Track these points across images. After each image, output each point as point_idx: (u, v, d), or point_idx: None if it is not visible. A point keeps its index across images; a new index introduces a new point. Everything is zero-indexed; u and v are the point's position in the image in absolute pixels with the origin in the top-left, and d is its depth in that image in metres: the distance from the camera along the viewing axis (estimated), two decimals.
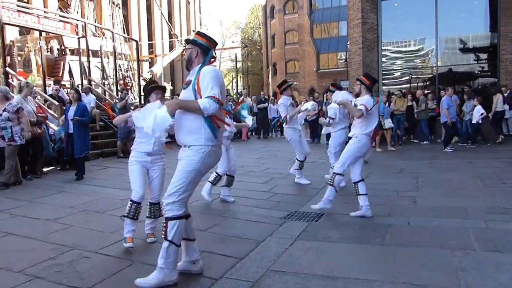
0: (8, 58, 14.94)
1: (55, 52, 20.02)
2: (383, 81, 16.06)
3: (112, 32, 18.84)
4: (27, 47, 18.34)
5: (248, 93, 25.49)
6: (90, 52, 16.12)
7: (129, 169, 4.37)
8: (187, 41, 3.54)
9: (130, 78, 20.34)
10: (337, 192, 5.49)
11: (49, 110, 10.74)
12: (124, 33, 23.24)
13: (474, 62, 15.57)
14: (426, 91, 14.68)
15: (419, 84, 16.38)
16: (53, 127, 10.02)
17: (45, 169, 8.86)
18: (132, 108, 11.43)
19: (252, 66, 60.28)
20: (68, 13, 18.69)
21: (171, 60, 32.16)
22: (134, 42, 21.03)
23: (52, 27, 14.85)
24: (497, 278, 3.27)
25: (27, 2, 20.14)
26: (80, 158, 8.08)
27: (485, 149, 11.17)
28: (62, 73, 18.27)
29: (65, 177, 8.21)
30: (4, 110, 7.24)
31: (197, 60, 3.38)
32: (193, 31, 39.43)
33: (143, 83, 17.62)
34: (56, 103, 10.93)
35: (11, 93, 8.13)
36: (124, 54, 21.35)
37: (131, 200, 4.30)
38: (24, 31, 18.17)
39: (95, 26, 20.23)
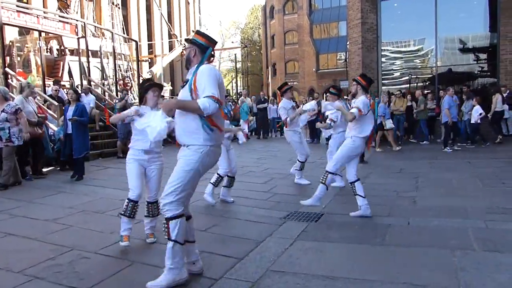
0: (7, 59, 14.93)
1: (55, 52, 20.01)
2: (382, 81, 16.07)
3: (112, 33, 18.84)
4: (27, 47, 18.34)
5: (248, 93, 25.50)
6: (89, 52, 16.11)
7: (127, 167, 4.37)
8: (187, 41, 3.53)
9: (129, 78, 20.33)
10: (327, 190, 5.55)
11: (49, 111, 10.73)
12: (124, 34, 23.23)
13: (474, 62, 15.58)
14: (425, 91, 14.69)
15: (418, 84, 16.39)
16: (53, 127, 10.01)
17: (44, 170, 8.84)
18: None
19: (252, 67, 60.29)
20: (67, 14, 18.68)
21: (171, 61, 32.20)
22: (133, 43, 21.03)
23: (51, 28, 14.85)
24: (497, 278, 3.27)
25: (27, 3, 20.14)
26: (79, 158, 8.07)
27: (484, 149, 11.18)
28: (62, 73, 18.26)
29: (64, 178, 8.20)
30: (2, 111, 7.23)
31: (196, 59, 3.37)
32: (193, 31, 39.40)
33: None
34: (56, 103, 10.92)
35: (10, 93, 8.13)
36: (123, 55, 21.34)
37: (128, 199, 4.31)
38: (24, 31, 18.16)
39: (95, 26, 20.21)
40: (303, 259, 3.87)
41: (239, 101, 17.33)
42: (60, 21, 15.51)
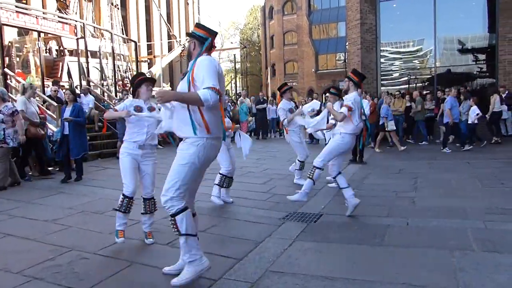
0: (6, 59, 14.94)
1: (54, 53, 20.04)
2: (381, 82, 16.09)
3: (111, 33, 18.85)
4: (26, 48, 18.36)
5: (247, 93, 25.53)
6: (88, 53, 16.11)
7: (120, 161, 4.36)
8: (187, 34, 3.50)
9: (129, 79, 20.35)
10: (314, 185, 5.58)
11: (48, 111, 10.72)
12: (123, 34, 23.25)
13: (473, 63, 15.62)
14: (424, 92, 14.71)
15: (417, 84, 16.42)
16: (52, 128, 10.01)
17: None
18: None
19: (251, 67, 60.32)
20: (66, 14, 18.71)
21: (170, 61, 32.17)
22: (132, 43, 21.05)
23: (50, 28, 14.85)
24: (496, 279, 3.28)
25: (26, 3, 20.17)
26: (77, 159, 8.05)
27: (483, 149, 11.18)
28: (61, 74, 18.29)
29: (63, 179, 8.18)
30: None
31: (195, 52, 3.33)
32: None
33: None
34: (55, 104, 10.92)
35: (9, 94, 8.12)
36: (122, 55, 21.36)
37: (123, 194, 4.32)
38: (23, 32, 18.19)
39: (94, 27, 20.23)
40: (302, 259, 3.87)
41: (238, 102, 17.34)
42: (59, 21, 15.51)
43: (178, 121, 3.30)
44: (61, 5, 20.16)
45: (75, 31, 15.95)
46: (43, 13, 16.70)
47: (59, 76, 17.97)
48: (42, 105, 11.14)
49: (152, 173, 4.46)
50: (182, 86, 3.27)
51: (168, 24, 34.05)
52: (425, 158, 10.31)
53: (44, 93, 12.82)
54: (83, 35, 16.00)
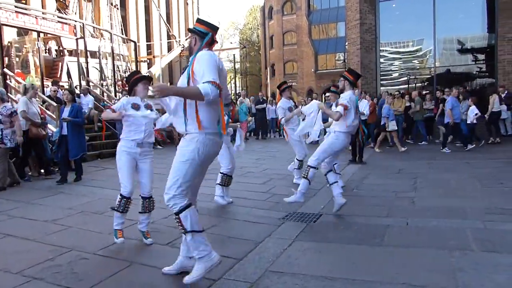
0: (6, 59, 14.94)
1: (53, 53, 20.04)
2: (381, 82, 16.10)
3: (110, 33, 18.84)
4: (25, 48, 18.36)
5: (247, 93, 25.53)
6: (88, 53, 16.10)
7: (118, 160, 4.34)
8: (189, 30, 3.47)
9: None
10: (309, 185, 5.51)
11: (47, 111, 10.72)
12: (122, 34, 23.26)
13: (472, 63, 15.63)
14: (424, 92, 14.72)
15: (417, 84, 16.43)
16: (52, 128, 10.01)
17: (43, 170, 8.84)
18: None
19: (251, 67, 60.33)
20: (66, 14, 18.71)
21: (170, 61, 32.16)
22: (132, 43, 21.04)
23: (50, 28, 14.87)
24: (495, 279, 3.28)
25: (25, 3, 20.17)
26: (76, 159, 8.04)
27: (483, 149, 11.19)
28: (60, 74, 18.30)
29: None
30: None
31: (196, 48, 3.31)
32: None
33: None
34: (54, 104, 10.92)
35: (9, 95, 8.12)
36: (122, 55, 21.37)
37: (120, 195, 4.32)
38: (22, 32, 18.19)
39: (93, 27, 20.24)
40: (301, 259, 3.88)
41: (238, 102, 17.35)
42: (58, 21, 15.53)
43: (178, 117, 3.28)
44: (61, 5, 20.17)
45: (75, 31, 15.96)
46: (43, 13, 16.71)
47: (58, 76, 17.99)
48: (41, 105, 11.14)
49: (150, 171, 4.45)
50: (182, 81, 3.26)
51: (168, 24, 34.04)
52: (424, 158, 10.32)
53: (43, 93, 12.81)
54: (82, 35, 15.99)
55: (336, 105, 5.69)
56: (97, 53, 18.32)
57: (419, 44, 16.45)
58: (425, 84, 16.37)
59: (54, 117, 10.47)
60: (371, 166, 9.47)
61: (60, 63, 18.75)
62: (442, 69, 15.86)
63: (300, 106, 8.47)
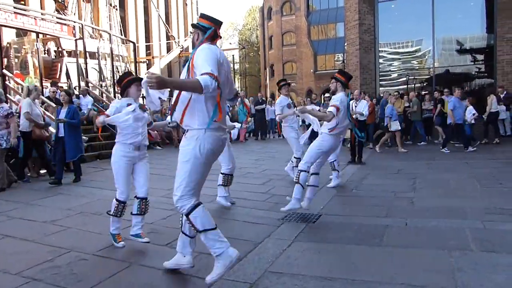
0: (5, 60, 14.93)
1: (52, 54, 20.04)
2: (380, 82, 16.12)
3: (109, 34, 18.85)
4: (24, 49, 18.36)
5: (246, 94, 25.55)
6: (87, 53, 16.10)
7: (115, 164, 4.30)
8: (192, 26, 3.44)
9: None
10: (303, 190, 5.40)
11: (47, 112, 10.72)
12: (121, 35, 23.27)
13: (471, 63, 15.65)
14: (423, 92, 14.74)
15: (416, 85, 16.44)
16: (52, 129, 10.01)
17: (42, 171, 8.84)
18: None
19: (250, 68, 60.37)
20: (65, 15, 18.71)
21: (169, 62, 32.18)
22: (131, 44, 21.05)
23: (49, 29, 14.87)
24: (494, 279, 3.28)
25: (24, 4, 20.16)
26: (75, 161, 8.01)
27: (482, 149, 11.19)
28: (59, 75, 18.30)
29: (62, 179, 8.17)
30: None
31: (198, 42, 3.28)
32: (191, 32, 39.43)
33: None
34: (53, 105, 10.91)
35: (8, 95, 8.11)
36: (121, 56, 21.38)
37: (118, 200, 4.30)
38: (21, 33, 18.18)
39: (92, 28, 20.25)
40: (301, 260, 3.88)
41: (237, 102, 17.35)
42: (57, 22, 15.53)
43: (179, 110, 3.24)
44: (60, 6, 20.18)
45: (74, 32, 15.96)
46: (42, 14, 16.72)
47: (57, 77, 17.98)
48: (40, 106, 11.14)
49: (147, 172, 4.43)
50: (183, 76, 3.24)
51: (167, 25, 34.08)
52: (423, 158, 10.33)
53: (42, 94, 12.80)
54: (81, 36, 15.99)
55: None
56: (96, 54, 18.34)
57: (418, 45, 16.47)
58: (424, 84, 16.39)
59: (53, 118, 10.48)
60: (370, 166, 9.47)
61: (59, 64, 18.76)
62: (441, 70, 15.88)
63: (299, 107, 8.47)
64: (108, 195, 6.66)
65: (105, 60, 19.30)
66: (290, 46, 47.23)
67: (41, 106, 10.93)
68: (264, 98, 19.85)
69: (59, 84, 15.57)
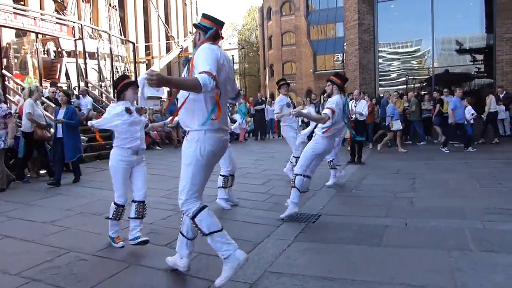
0: (4, 61, 14.94)
1: (52, 54, 20.06)
2: (379, 82, 16.12)
3: (109, 34, 18.86)
4: (24, 49, 18.37)
5: (245, 94, 25.55)
6: (86, 54, 16.11)
7: (114, 169, 4.29)
8: (194, 26, 3.41)
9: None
10: (301, 193, 5.36)
11: (46, 113, 10.71)
12: (121, 35, 23.27)
13: (470, 63, 15.66)
14: (422, 92, 14.74)
15: (415, 85, 16.45)
16: (52, 130, 10.01)
17: (42, 172, 8.84)
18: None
19: (249, 68, 60.36)
20: (64, 15, 18.71)
21: (168, 62, 32.17)
22: (130, 44, 21.08)
23: (48, 29, 14.87)
24: (493, 279, 3.29)
25: (24, 5, 20.14)
26: (73, 161, 7.98)
27: (481, 149, 11.20)
28: (59, 75, 18.31)
29: (62, 180, 8.17)
30: None
31: (199, 42, 3.26)
32: (190, 32, 39.54)
33: None
34: (53, 105, 10.90)
35: (7, 96, 8.09)
36: (120, 56, 21.38)
37: (116, 204, 4.29)
38: (21, 33, 18.20)
39: (92, 28, 20.25)
40: (300, 260, 3.88)
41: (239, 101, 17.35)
42: (57, 23, 15.53)
43: (181, 110, 3.23)
44: (59, 6, 20.17)
45: (73, 32, 15.97)
46: (41, 14, 16.72)
47: (57, 77, 18.00)
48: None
49: (145, 175, 4.41)
50: (183, 76, 3.23)
51: (166, 25, 34.07)
52: (423, 158, 10.33)
53: (42, 94, 12.81)
54: (81, 36, 16.00)
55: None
56: (96, 54, 18.34)
57: (417, 45, 16.48)
58: (424, 84, 16.39)
59: (53, 118, 10.47)
60: (370, 166, 9.48)
61: (58, 64, 18.77)
62: (440, 70, 15.88)
63: (299, 107, 8.52)
64: (108, 195, 6.66)
65: (105, 60, 19.31)
66: (289, 46, 47.27)
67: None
68: (263, 98, 19.85)
69: (59, 85, 15.57)
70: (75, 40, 16.00)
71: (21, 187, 7.64)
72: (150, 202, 5.92)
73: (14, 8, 13.85)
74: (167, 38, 34.85)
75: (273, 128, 17.72)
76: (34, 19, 14.17)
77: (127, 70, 21.56)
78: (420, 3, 15.45)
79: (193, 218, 3.14)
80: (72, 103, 8.99)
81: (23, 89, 11.16)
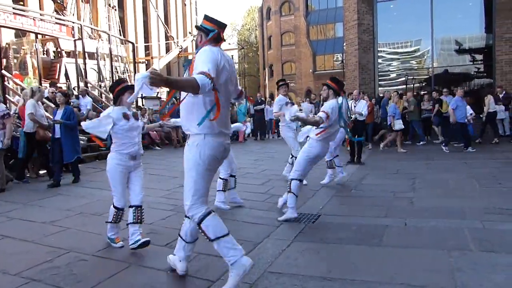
0: (4, 61, 14.93)
1: (51, 54, 20.04)
2: (379, 82, 16.12)
3: (108, 34, 18.86)
4: (23, 49, 18.36)
5: (245, 94, 25.47)
6: (86, 54, 16.11)
7: (111, 173, 4.27)
8: (196, 27, 3.39)
9: (126, 80, 20.33)
10: (297, 198, 5.31)
11: (46, 113, 10.71)
12: (120, 35, 23.25)
13: (470, 63, 15.67)
14: (422, 92, 14.73)
15: (415, 85, 16.45)
16: None
17: (41, 172, 8.83)
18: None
19: (249, 68, 60.35)
20: (64, 16, 18.69)
21: (168, 62, 32.16)
22: (130, 44, 21.07)
23: (48, 30, 14.87)
24: (493, 279, 3.29)
25: (23, 5, 20.14)
26: (72, 162, 7.95)
27: (481, 149, 11.19)
28: (58, 75, 18.30)
29: (62, 180, 8.16)
30: None
31: (201, 45, 3.24)
32: (189, 33, 39.54)
33: None
34: (53, 105, 10.89)
35: (7, 96, 8.08)
36: (120, 56, 21.37)
37: (116, 208, 4.28)
38: (20, 33, 18.19)
39: (91, 28, 20.24)
40: (300, 260, 3.88)
41: (236, 103, 17.35)
42: (56, 23, 15.53)
43: (182, 113, 3.24)
44: (58, 6, 20.16)
45: (73, 33, 15.96)
46: (41, 14, 16.72)
47: (56, 77, 17.99)
48: None
49: (142, 179, 4.41)
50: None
51: (166, 25, 34.06)
52: (422, 158, 10.33)
53: None
54: (80, 37, 15.99)
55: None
56: (95, 54, 18.33)
57: (417, 45, 16.48)
58: (423, 84, 16.39)
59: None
60: (370, 166, 9.48)
61: (58, 65, 18.75)
62: (440, 70, 15.89)
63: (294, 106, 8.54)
64: (108, 196, 6.64)
65: (104, 60, 19.29)
66: (289, 46, 47.29)
67: None
68: (263, 98, 19.84)
69: (58, 85, 15.56)
70: (74, 41, 15.99)
71: (21, 188, 7.63)
72: (150, 202, 5.95)
73: (13, 8, 13.85)
74: (167, 38, 34.84)
75: (272, 128, 17.71)
76: (33, 19, 14.16)
77: (127, 70, 21.54)
78: (419, 3, 15.45)
79: (199, 223, 3.13)
80: (72, 103, 8.97)
81: (22, 89, 11.17)
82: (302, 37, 45.41)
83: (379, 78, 16.17)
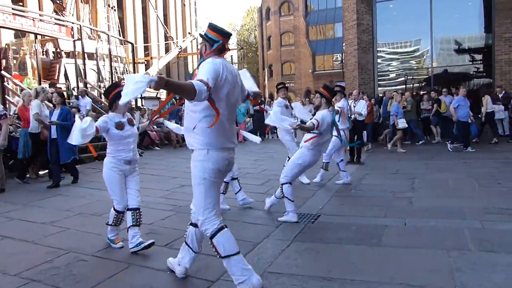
0: (3, 61, 14.93)
1: (51, 55, 20.03)
2: (378, 82, 16.14)
3: (108, 35, 18.86)
4: (23, 50, 18.35)
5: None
6: (85, 54, 16.12)
7: (108, 176, 4.24)
8: (200, 36, 3.35)
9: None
10: (293, 202, 5.29)
11: None
12: (120, 36, 23.24)
13: (469, 63, 15.68)
14: (421, 92, 14.73)
15: (414, 85, 16.46)
16: None
17: (41, 172, 8.83)
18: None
19: (248, 68, 60.31)
20: (63, 16, 18.68)
21: (167, 63, 32.15)
22: (129, 45, 21.08)
23: (47, 30, 14.88)
24: (493, 278, 3.29)
25: (22, 5, 20.14)
26: (68, 163, 7.91)
27: (480, 149, 11.20)
28: (58, 76, 18.28)
29: (61, 181, 8.16)
30: None
31: (205, 55, 3.21)
32: (189, 33, 39.57)
33: None
34: (52, 106, 10.89)
35: (6, 97, 8.06)
36: (119, 57, 21.36)
37: (116, 211, 4.27)
38: (20, 34, 18.18)
39: (91, 28, 20.22)
40: (300, 260, 3.88)
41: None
42: (56, 23, 15.54)
43: (184, 126, 3.27)
44: (58, 7, 20.14)
45: (72, 33, 15.97)
46: (40, 15, 16.73)
47: (56, 78, 17.97)
48: None
49: (138, 183, 4.40)
50: None
51: (165, 26, 34.07)
52: (422, 158, 10.33)
53: None
54: (80, 37, 16.00)
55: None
56: (95, 55, 18.33)
57: (416, 45, 16.49)
58: (423, 84, 16.40)
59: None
60: (369, 166, 9.48)
61: (57, 65, 18.74)
62: (439, 69, 15.90)
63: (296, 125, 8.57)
64: (107, 196, 6.63)
65: (104, 61, 19.28)
66: (288, 47, 47.30)
67: None
68: (262, 99, 19.83)
69: (58, 85, 15.55)
70: (74, 41, 16.01)
71: (20, 188, 7.63)
72: (149, 202, 5.96)
73: (13, 9, 13.85)
74: (166, 38, 34.86)
75: (272, 129, 17.68)
76: (33, 20, 14.17)
77: (126, 71, 21.52)
78: (418, 3, 15.46)
79: (211, 238, 3.12)
80: (71, 103, 8.96)
81: (22, 90, 11.16)
82: (302, 37, 45.41)
83: (379, 78, 16.19)
